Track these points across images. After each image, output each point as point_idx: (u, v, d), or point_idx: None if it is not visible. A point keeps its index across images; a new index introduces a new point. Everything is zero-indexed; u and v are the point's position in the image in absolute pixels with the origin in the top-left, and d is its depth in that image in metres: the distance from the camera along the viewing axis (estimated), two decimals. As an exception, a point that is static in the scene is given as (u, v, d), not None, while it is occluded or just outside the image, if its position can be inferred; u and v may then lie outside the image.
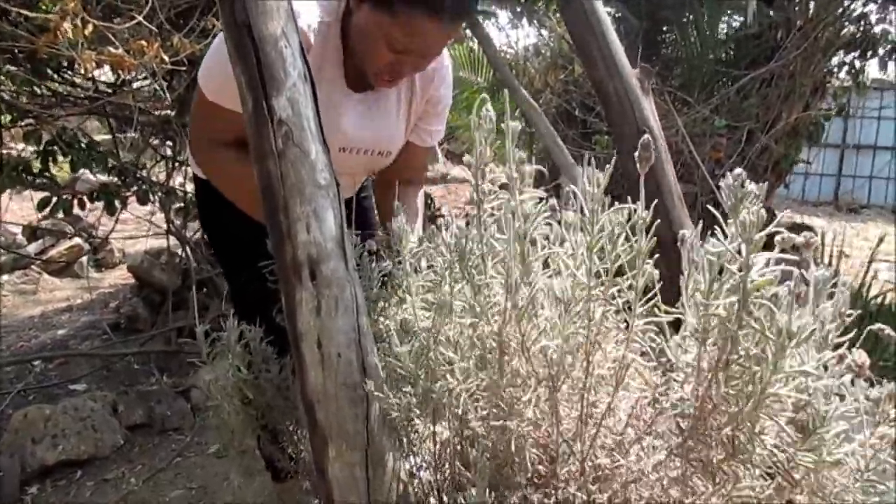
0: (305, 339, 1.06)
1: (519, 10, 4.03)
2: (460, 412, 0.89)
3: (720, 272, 0.66)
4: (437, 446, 1.07)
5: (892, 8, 3.93)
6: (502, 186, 0.85)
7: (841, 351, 0.69)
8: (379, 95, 1.50)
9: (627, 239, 0.74)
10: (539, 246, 0.82)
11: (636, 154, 0.73)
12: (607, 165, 0.77)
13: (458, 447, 1.01)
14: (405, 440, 1.09)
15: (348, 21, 1.38)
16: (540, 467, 0.81)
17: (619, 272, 0.75)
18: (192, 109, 1.45)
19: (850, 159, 9.84)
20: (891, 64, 4.13)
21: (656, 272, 0.76)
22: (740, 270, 0.63)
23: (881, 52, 4.09)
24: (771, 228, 0.64)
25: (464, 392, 0.90)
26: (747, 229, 0.62)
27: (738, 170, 0.68)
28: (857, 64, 4.24)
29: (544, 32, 4.58)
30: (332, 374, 1.04)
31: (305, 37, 1.33)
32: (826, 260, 3.64)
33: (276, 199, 1.08)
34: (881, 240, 4.14)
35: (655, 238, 0.74)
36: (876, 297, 3.54)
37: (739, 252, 0.63)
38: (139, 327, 3.59)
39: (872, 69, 4.45)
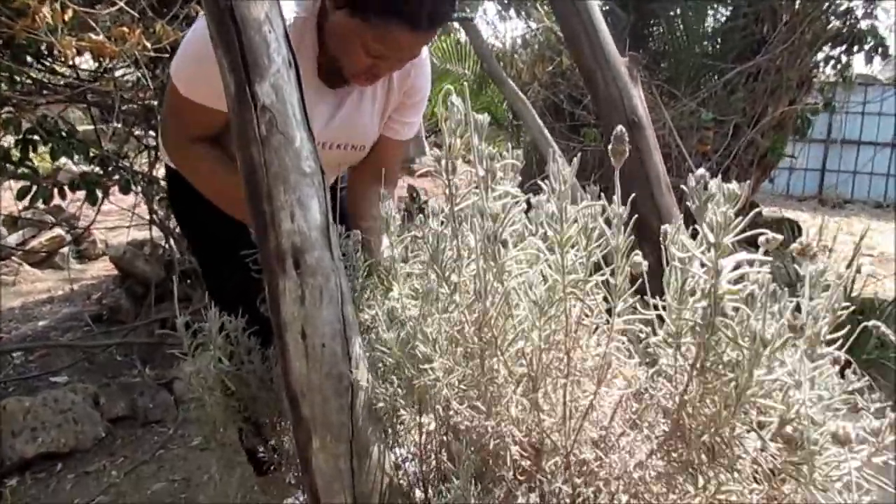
0: (289, 329, 1.04)
1: (507, 1, 4.01)
2: (442, 407, 0.88)
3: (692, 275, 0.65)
4: (423, 437, 1.06)
5: (877, 3, 3.95)
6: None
7: (836, 353, 0.68)
8: (353, 90, 1.50)
9: (606, 233, 0.73)
10: (511, 244, 0.80)
11: (613, 146, 0.71)
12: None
13: (444, 438, 1.00)
14: (391, 431, 1.08)
15: (324, 19, 1.36)
16: (524, 462, 0.80)
17: (605, 264, 0.74)
18: (165, 104, 1.42)
19: (835, 154, 9.92)
20: (876, 59, 4.15)
21: (645, 263, 0.75)
22: (710, 275, 0.61)
23: (867, 47, 4.11)
24: (741, 231, 0.62)
25: (445, 387, 0.89)
26: (715, 232, 0.60)
27: (702, 170, 0.66)
28: (843, 59, 4.26)
29: (532, 24, 4.56)
30: (317, 365, 1.03)
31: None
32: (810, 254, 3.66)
33: (259, 186, 1.05)
34: (863, 235, 4.18)
35: (633, 235, 0.73)
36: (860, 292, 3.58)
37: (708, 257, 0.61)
38: (122, 319, 3.54)
39: (858, 64, 4.48)
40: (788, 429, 0.63)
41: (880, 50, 4.09)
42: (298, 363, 1.03)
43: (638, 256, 0.73)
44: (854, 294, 3.54)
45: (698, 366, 0.64)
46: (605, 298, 0.74)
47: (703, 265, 0.61)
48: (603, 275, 0.72)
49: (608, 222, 0.72)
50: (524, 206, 0.84)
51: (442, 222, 0.91)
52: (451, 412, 0.89)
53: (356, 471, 1.02)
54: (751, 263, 0.63)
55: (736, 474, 0.66)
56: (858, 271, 3.74)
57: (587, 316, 0.76)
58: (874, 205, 9.61)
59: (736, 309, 0.61)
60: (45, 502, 2.23)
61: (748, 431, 0.66)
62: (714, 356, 0.64)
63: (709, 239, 0.60)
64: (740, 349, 0.60)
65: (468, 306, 0.82)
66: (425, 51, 1.54)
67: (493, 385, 0.82)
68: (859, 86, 7.26)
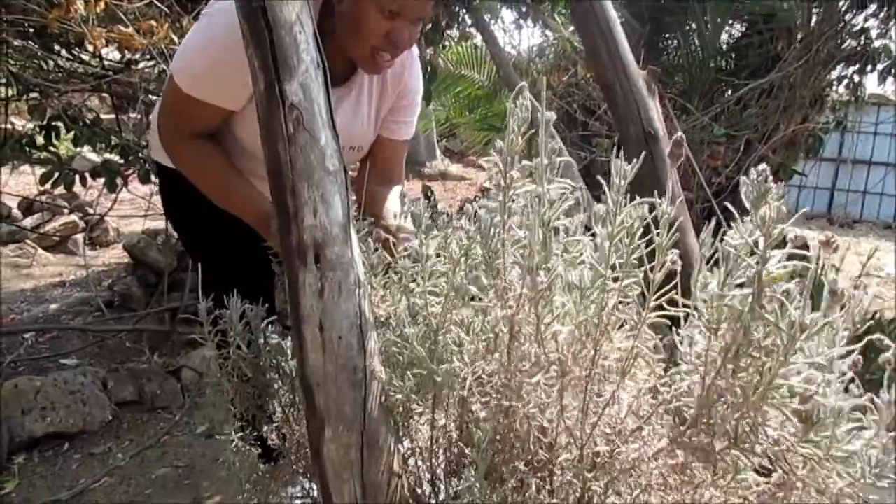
0: (307, 321, 1.07)
1: (524, 10, 4.05)
2: (465, 394, 0.91)
3: (738, 263, 0.68)
4: (435, 431, 1.10)
5: (892, 23, 3.97)
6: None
7: (855, 355, 0.71)
8: (350, 90, 1.53)
9: (646, 233, 0.76)
10: (561, 235, 0.84)
11: (671, 150, 0.75)
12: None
13: (459, 431, 1.04)
14: (402, 424, 1.11)
15: (327, 13, 1.39)
16: (539, 451, 0.84)
17: (644, 261, 0.77)
18: (164, 102, 1.43)
19: (845, 173, 9.91)
20: (889, 79, 4.17)
21: (679, 262, 0.78)
22: (758, 263, 0.65)
23: (880, 67, 4.13)
24: (789, 224, 0.66)
25: (469, 375, 0.92)
26: (766, 224, 0.64)
27: (763, 165, 0.70)
28: (857, 78, 4.28)
29: (548, 34, 4.59)
30: (333, 357, 1.06)
31: None
32: (818, 273, 3.67)
33: (284, 182, 1.09)
34: (871, 255, 4.19)
35: (677, 234, 0.76)
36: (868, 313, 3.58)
37: (756, 245, 0.65)
38: (133, 306, 3.59)
39: (871, 84, 4.50)
40: (807, 406, 0.65)
41: (894, 70, 4.11)
42: (315, 354, 1.06)
43: (674, 255, 0.77)
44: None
45: (734, 349, 0.67)
46: (641, 294, 0.78)
47: (752, 253, 0.66)
48: (643, 271, 0.76)
49: (655, 222, 0.75)
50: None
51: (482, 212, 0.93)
52: (473, 399, 0.92)
53: (365, 461, 1.06)
54: (797, 257, 0.67)
55: (755, 460, 0.70)
56: (865, 291, 3.74)
57: (619, 310, 0.79)
58: (883, 225, 9.59)
59: (771, 299, 0.65)
60: (51, 480, 2.27)
61: (770, 416, 0.68)
62: (750, 341, 0.67)
63: (761, 228, 0.64)
64: (779, 334, 0.63)
65: (506, 291, 0.84)
66: (416, 50, 1.57)
67: (519, 372, 0.84)
68: (872, 105, 7.27)
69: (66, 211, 5.09)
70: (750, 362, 0.64)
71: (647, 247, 0.75)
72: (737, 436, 0.65)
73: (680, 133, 0.75)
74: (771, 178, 0.64)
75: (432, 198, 3.57)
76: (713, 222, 0.71)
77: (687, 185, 4.03)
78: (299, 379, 1.12)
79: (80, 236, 5.05)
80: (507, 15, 4.64)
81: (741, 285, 0.66)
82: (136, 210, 4.22)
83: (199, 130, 1.41)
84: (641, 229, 0.73)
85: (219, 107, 1.36)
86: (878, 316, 3.75)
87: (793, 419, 0.63)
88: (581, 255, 0.80)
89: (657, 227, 0.73)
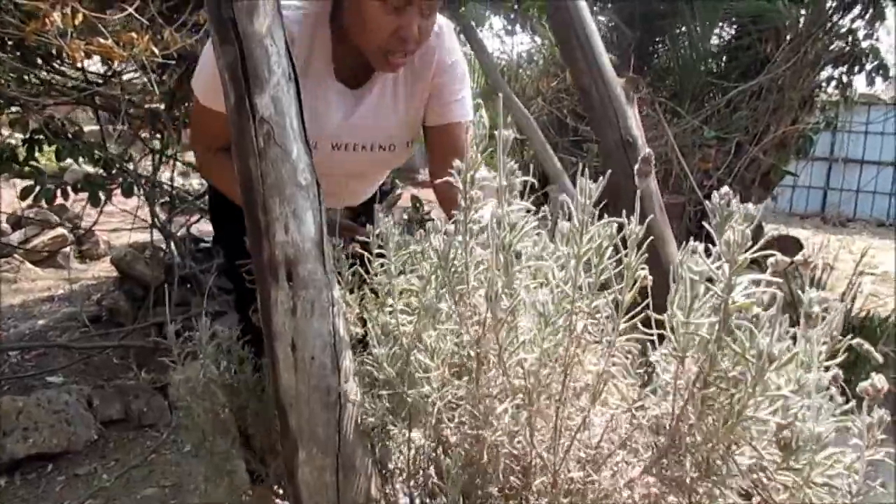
0: (280, 340, 1.05)
1: (513, 16, 4.03)
2: (433, 421, 0.88)
3: (707, 291, 0.66)
4: (412, 452, 1.06)
5: (878, 24, 3.97)
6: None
7: (833, 371, 0.68)
8: (372, 88, 1.45)
9: (616, 251, 0.73)
10: (524, 257, 0.81)
11: (639, 167, 0.72)
12: (600, 178, 0.76)
13: (433, 454, 1.01)
14: (379, 446, 1.08)
15: (338, 13, 1.35)
16: (513, 478, 0.81)
17: (606, 285, 0.74)
18: (191, 116, 1.45)
19: (838, 173, 9.92)
20: (878, 79, 4.16)
21: (650, 279, 0.75)
22: (723, 290, 0.62)
23: (868, 67, 4.12)
24: (757, 249, 0.63)
25: (438, 400, 0.90)
26: (731, 249, 0.61)
27: (726, 188, 0.67)
28: (845, 79, 4.28)
29: (537, 39, 4.58)
30: (305, 377, 1.03)
31: (289, 29, 1.32)
32: (812, 270, 3.66)
33: (255, 197, 1.07)
34: (864, 253, 4.18)
35: (646, 255, 0.73)
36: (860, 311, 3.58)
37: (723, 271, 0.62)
38: (120, 321, 3.55)
39: (860, 84, 4.49)
40: (786, 433, 0.63)
41: (881, 71, 4.11)
42: (287, 374, 1.04)
43: (644, 270, 0.74)
44: (854, 313, 3.54)
45: (701, 380, 0.65)
46: (608, 318, 0.75)
47: (716, 280, 0.63)
48: (611, 293, 0.72)
49: (623, 242, 0.72)
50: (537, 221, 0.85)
51: (447, 234, 0.91)
52: (443, 425, 0.90)
53: (341, 484, 1.03)
54: (757, 283, 0.63)
55: (729, 491, 0.67)
56: (860, 289, 3.73)
57: (590, 333, 0.77)
58: (876, 223, 9.60)
59: (739, 327, 0.62)
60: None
61: (742, 445, 0.66)
62: (718, 371, 0.64)
63: (725, 255, 0.61)
64: (747, 364, 0.60)
65: (470, 317, 0.82)
66: (444, 22, 1.46)
67: (487, 398, 0.82)
68: (862, 105, 7.28)
69: (54, 224, 5.05)
70: (719, 392, 0.61)
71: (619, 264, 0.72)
72: (709, 466, 0.62)
73: (648, 150, 0.72)
74: (735, 199, 0.61)
75: (421, 208, 3.54)
76: (691, 240, 0.68)
77: (679, 189, 4.02)
78: (273, 399, 1.09)
79: (69, 249, 5.01)
80: (497, 22, 4.62)
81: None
82: (127, 222, 4.18)
83: (220, 144, 1.38)
84: (611, 248, 0.70)
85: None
86: (871, 314, 3.74)
87: (762, 453, 0.60)
88: (547, 276, 0.77)
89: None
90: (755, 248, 0.59)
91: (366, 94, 1.46)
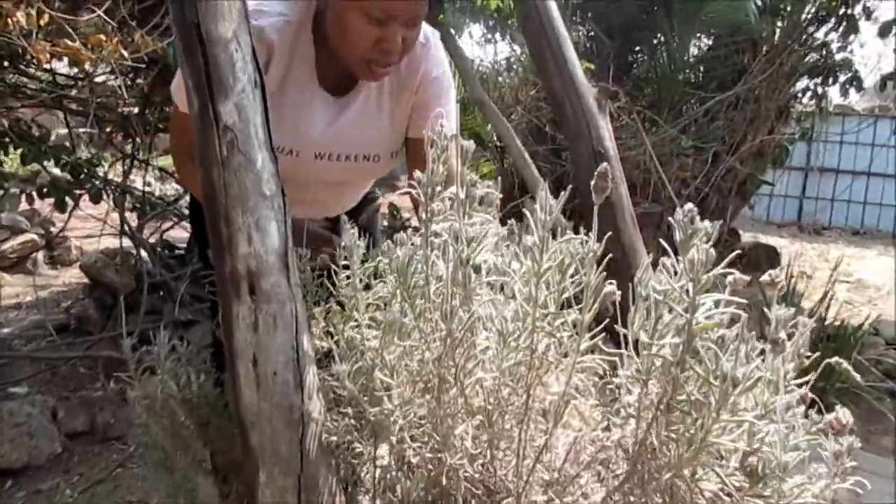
0: (241, 356, 1.01)
1: (492, 24, 4.03)
2: (395, 441, 0.85)
3: (670, 310, 0.63)
4: (377, 472, 1.03)
5: (852, 37, 4.03)
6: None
7: (803, 391, 0.67)
8: (357, 96, 1.42)
9: (579, 269, 0.71)
10: (484, 272, 0.78)
11: (593, 178, 0.70)
12: (562, 192, 0.74)
13: (396, 475, 0.98)
14: (343, 465, 1.05)
15: (322, 21, 1.32)
16: (474, 502, 0.78)
17: (576, 300, 0.72)
18: (170, 122, 1.43)
19: (814, 182, 10.06)
20: (851, 91, 4.22)
21: (618, 293, 0.73)
22: (686, 311, 0.59)
23: (842, 79, 4.18)
24: (722, 267, 0.61)
25: (400, 419, 0.87)
26: (696, 268, 0.59)
27: (689, 205, 0.64)
28: (820, 90, 4.34)
29: (517, 48, 4.58)
30: (268, 395, 1.00)
31: (268, 37, 1.28)
32: (789, 279, 3.69)
33: (217, 207, 1.03)
34: (838, 263, 4.23)
35: (604, 273, 0.70)
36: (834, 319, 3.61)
37: (687, 291, 0.60)
38: (89, 329, 3.47)
39: (834, 95, 4.55)
40: (752, 460, 0.61)
41: (855, 83, 4.17)
42: (249, 391, 1.01)
43: (612, 286, 0.71)
44: (829, 321, 3.57)
45: (664, 404, 0.63)
46: (570, 337, 0.72)
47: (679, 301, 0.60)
48: (574, 311, 0.70)
49: (582, 259, 0.70)
50: (502, 234, 0.82)
51: (412, 245, 0.88)
52: (405, 445, 0.87)
53: (303, 506, 0.99)
54: (717, 304, 0.61)
55: None
56: (834, 298, 3.76)
57: (552, 352, 0.74)
58: (851, 232, 9.73)
59: (705, 348, 0.60)
60: (-9, 522, 2.16)
61: (708, 471, 0.64)
62: (682, 395, 0.62)
63: (689, 274, 0.59)
64: (710, 388, 0.58)
65: (430, 333, 0.79)
66: (431, 33, 1.44)
67: (449, 419, 0.79)
68: (837, 116, 7.39)
69: (25, 229, 4.94)
70: (682, 417, 0.59)
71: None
72: (672, 493, 0.60)
73: (604, 164, 0.70)
74: (698, 216, 0.59)
75: (399, 216, 3.50)
76: (655, 255, 0.66)
77: (657, 198, 4.03)
78: (234, 417, 1.05)
79: (39, 255, 4.90)
80: (476, 30, 4.62)
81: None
82: (100, 229, 4.09)
83: None
84: (575, 265, 0.67)
85: None
86: (845, 323, 3.77)
87: (726, 481, 0.57)
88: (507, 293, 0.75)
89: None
90: (723, 263, 0.57)
91: (350, 103, 1.43)
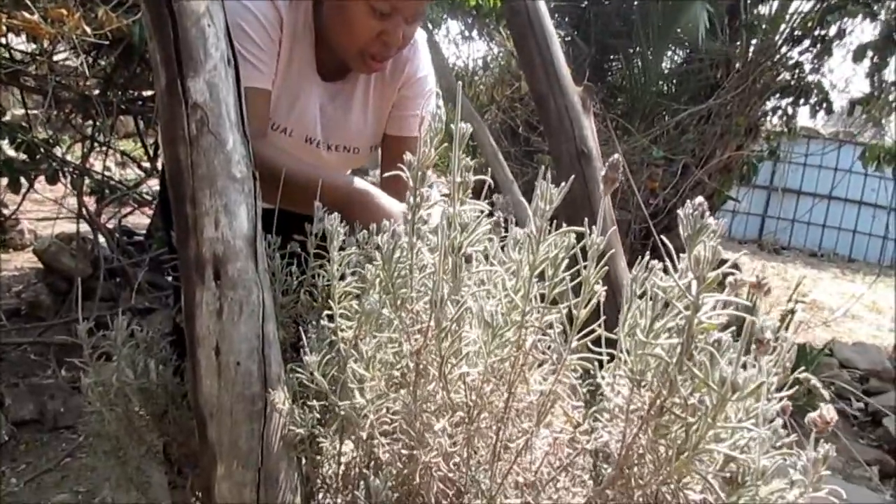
0: (203, 344, 0.97)
1: (470, 21, 4.01)
2: (365, 436, 0.82)
3: (665, 306, 0.61)
4: (342, 468, 0.99)
5: (825, 60, 4.11)
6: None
7: (784, 402, 0.65)
8: (345, 86, 1.42)
9: (572, 265, 0.68)
10: (475, 262, 0.75)
11: (605, 174, 0.67)
12: (556, 187, 0.71)
13: (364, 471, 0.94)
14: (306, 460, 1.01)
15: (319, 9, 1.31)
16: (445, 502, 0.74)
17: (554, 299, 0.69)
18: None
19: (776, 202, 10.27)
20: (820, 113, 4.31)
21: (603, 292, 0.70)
22: (688, 309, 0.57)
23: (812, 100, 4.26)
24: (726, 268, 0.58)
25: (371, 413, 0.83)
26: (701, 266, 0.56)
27: (700, 199, 0.62)
28: (790, 110, 4.42)
29: (493, 47, 4.58)
30: (229, 385, 0.95)
31: (280, 11, 1.27)
32: (748, 296, 3.74)
33: (183, 188, 0.98)
34: (799, 283, 4.31)
35: (606, 268, 0.68)
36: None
37: (689, 289, 0.57)
38: (41, 315, 3.34)
39: (803, 118, 4.65)
40: (732, 467, 0.59)
41: (825, 105, 4.25)
42: (210, 381, 0.96)
43: (598, 286, 0.69)
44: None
45: (658, 405, 0.60)
46: (560, 334, 0.70)
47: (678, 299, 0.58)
48: (566, 307, 0.67)
49: (583, 253, 0.67)
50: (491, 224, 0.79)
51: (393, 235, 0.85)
52: (375, 441, 0.83)
53: (262, 502, 0.95)
54: (725, 305, 0.59)
55: None
56: (792, 317, 3.84)
57: (538, 349, 0.71)
58: (809, 253, 9.98)
59: (701, 350, 0.57)
60: (-70, 511, 2.06)
61: (693, 478, 0.62)
62: (677, 398, 0.59)
63: (694, 271, 0.56)
64: (709, 392, 0.56)
65: (412, 324, 0.76)
66: (416, 37, 1.43)
67: (425, 414, 0.76)
68: (803, 138, 7.55)
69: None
70: (675, 420, 0.57)
71: (573, 279, 0.66)
72: (657, 501, 0.58)
73: (616, 155, 0.67)
74: (708, 211, 0.56)
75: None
76: (647, 257, 0.64)
77: (625, 206, 4.05)
78: (193, 408, 1.01)
79: (-10, 239, 4.71)
80: (454, 26, 4.60)
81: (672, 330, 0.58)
82: (62, 212, 3.95)
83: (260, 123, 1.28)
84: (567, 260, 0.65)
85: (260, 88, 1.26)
86: (805, 344, 3.85)
87: (713, 485, 0.55)
88: (496, 286, 0.72)
89: (584, 258, 0.65)
90: (723, 266, 0.55)
91: (340, 92, 1.42)
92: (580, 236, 0.68)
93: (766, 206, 10.36)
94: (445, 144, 0.82)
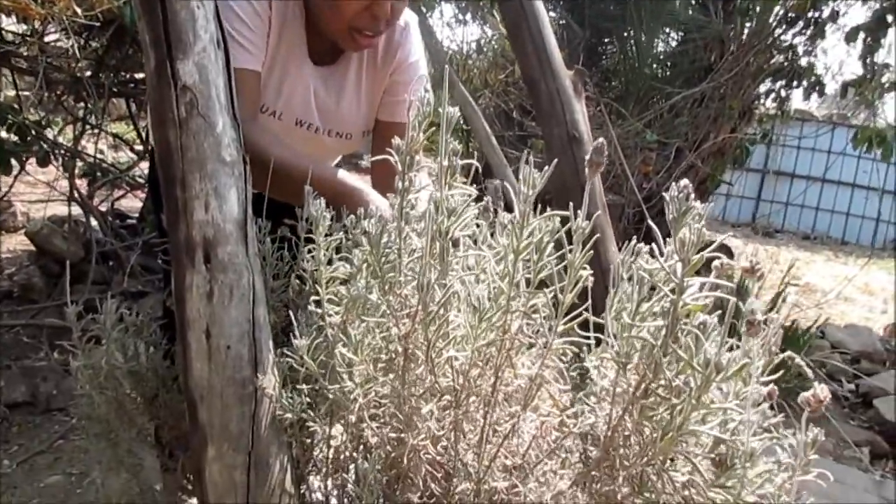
0: (193, 327, 0.97)
1: (463, 4, 3.98)
2: (354, 419, 0.82)
3: (652, 289, 0.61)
4: (332, 451, 1.00)
5: (819, 42, 4.09)
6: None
7: (770, 387, 0.66)
8: (339, 70, 1.42)
9: (557, 248, 0.68)
10: (462, 246, 0.75)
11: (591, 158, 0.67)
12: (545, 168, 0.71)
13: (353, 455, 0.95)
14: (296, 443, 1.01)
15: None
16: (434, 485, 0.75)
17: (542, 283, 0.70)
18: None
19: (770, 185, 10.28)
20: (813, 95, 4.30)
21: (591, 280, 0.70)
22: (673, 292, 0.57)
23: (805, 83, 4.25)
24: (711, 250, 0.58)
25: (360, 397, 0.84)
26: (686, 248, 0.56)
27: (685, 181, 0.62)
28: (784, 93, 4.40)
29: (488, 31, 4.54)
30: (220, 368, 0.96)
31: None
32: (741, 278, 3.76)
33: (173, 171, 0.99)
34: (791, 266, 4.33)
35: (591, 252, 0.68)
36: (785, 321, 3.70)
37: (674, 272, 0.57)
38: (34, 298, 3.34)
39: (797, 100, 4.64)
40: (722, 448, 0.60)
41: (818, 87, 4.24)
42: (200, 364, 0.97)
43: (586, 270, 0.69)
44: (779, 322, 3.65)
45: (643, 387, 0.60)
46: (546, 318, 0.70)
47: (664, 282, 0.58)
48: (550, 291, 0.67)
49: (568, 237, 0.67)
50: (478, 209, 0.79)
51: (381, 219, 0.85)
52: (364, 424, 0.84)
53: (252, 484, 0.96)
54: (711, 288, 0.59)
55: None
56: (784, 300, 3.86)
57: (524, 333, 0.72)
58: (802, 236, 10.01)
59: (686, 333, 0.58)
60: (-77, 493, 2.07)
61: (678, 460, 0.63)
62: (662, 380, 0.60)
63: (679, 254, 0.56)
64: (693, 373, 0.56)
65: (400, 309, 0.76)
66: (409, 21, 1.43)
67: (413, 398, 0.77)
68: (796, 121, 7.54)
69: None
70: (660, 402, 0.57)
71: (560, 261, 0.67)
72: (641, 482, 0.59)
73: (601, 139, 0.67)
74: (693, 193, 0.56)
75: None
76: (633, 240, 0.64)
77: (619, 190, 4.05)
78: (183, 391, 1.01)
79: (-18, 221, 4.69)
80: (448, 9, 4.56)
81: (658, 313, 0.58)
82: (54, 194, 3.92)
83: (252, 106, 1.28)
84: (552, 244, 0.65)
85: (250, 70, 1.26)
86: (795, 325, 3.87)
87: (700, 468, 0.56)
88: (484, 270, 0.72)
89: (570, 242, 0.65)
90: (708, 248, 0.55)
91: (333, 76, 1.42)
92: (567, 220, 0.68)
93: (759, 189, 10.37)
94: (434, 129, 0.82)
